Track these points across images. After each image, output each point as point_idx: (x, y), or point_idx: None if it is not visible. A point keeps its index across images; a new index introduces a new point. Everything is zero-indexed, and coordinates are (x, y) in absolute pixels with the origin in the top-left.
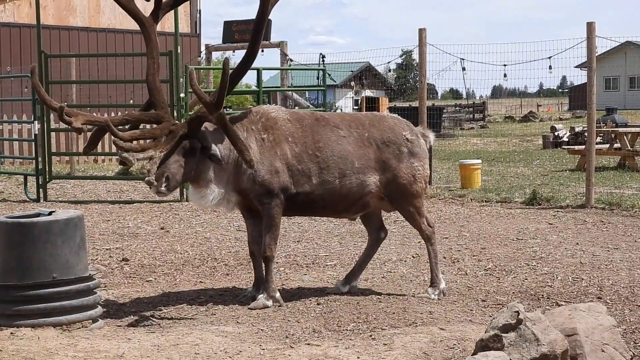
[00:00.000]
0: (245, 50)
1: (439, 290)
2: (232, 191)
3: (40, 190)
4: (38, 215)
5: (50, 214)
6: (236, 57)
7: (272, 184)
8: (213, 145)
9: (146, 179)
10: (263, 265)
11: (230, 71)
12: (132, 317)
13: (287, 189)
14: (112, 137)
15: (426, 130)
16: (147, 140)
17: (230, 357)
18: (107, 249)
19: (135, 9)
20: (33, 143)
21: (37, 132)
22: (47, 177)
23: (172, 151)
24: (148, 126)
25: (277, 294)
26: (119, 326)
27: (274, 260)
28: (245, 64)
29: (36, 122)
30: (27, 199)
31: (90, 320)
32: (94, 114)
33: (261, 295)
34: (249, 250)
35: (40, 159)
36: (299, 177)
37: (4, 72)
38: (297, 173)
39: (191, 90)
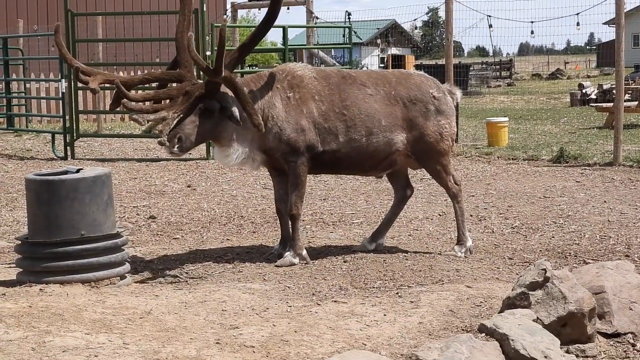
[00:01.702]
0: None
1: (465, 248)
2: (256, 150)
3: (68, 148)
4: (66, 172)
5: (77, 171)
6: (262, 14)
7: (297, 142)
8: (232, 106)
9: (158, 139)
10: (290, 223)
11: (253, 29)
12: (159, 274)
13: (313, 147)
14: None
15: (453, 88)
16: (165, 101)
17: (257, 314)
18: (134, 207)
19: None
20: (60, 101)
21: (64, 91)
22: (75, 135)
23: (188, 112)
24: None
25: (304, 252)
26: (146, 283)
27: (300, 219)
28: (266, 25)
29: (63, 80)
30: (55, 157)
31: (118, 277)
32: (121, 72)
33: (288, 252)
34: (275, 208)
35: (67, 117)
36: (325, 136)
37: (31, 31)
38: (324, 131)
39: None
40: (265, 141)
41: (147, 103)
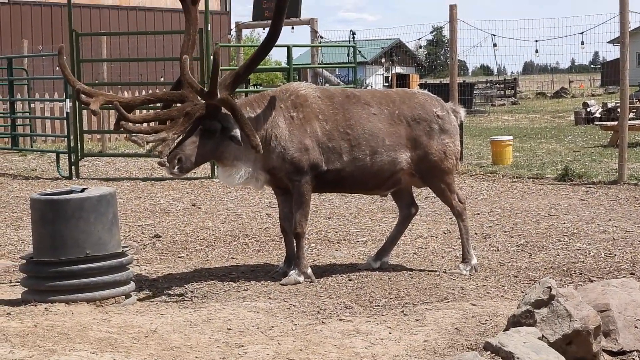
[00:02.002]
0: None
1: (470, 266)
2: (260, 170)
3: (73, 167)
4: (71, 192)
5: (82, 191)
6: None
7: (301, 161)
8: (234, 127)
9: (158, 160)
10: (294, 241)
11: (254, 48)
12: (164, 292)
13: (317, 166)
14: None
15: (457, 106)
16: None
17: (262, 332)
18: (139, 226)
19: None
20: (65, 121)
21: (69, 110)
22: (79, 154)
23: (189, 133)
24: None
25: (309, 270)
26: (151, 302)
27: (304, 237)
28: (267, 46)
29: (68, 100)
30: (60, 177)
31: (123, 296)
32: (125, 92)
33: (293, 271)
34: (280, 227)
35: (72, 137)
36: (329, 155)
37: (36, 51)
38: (328, 150)
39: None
40: (268, 161)
41: (150, 124)
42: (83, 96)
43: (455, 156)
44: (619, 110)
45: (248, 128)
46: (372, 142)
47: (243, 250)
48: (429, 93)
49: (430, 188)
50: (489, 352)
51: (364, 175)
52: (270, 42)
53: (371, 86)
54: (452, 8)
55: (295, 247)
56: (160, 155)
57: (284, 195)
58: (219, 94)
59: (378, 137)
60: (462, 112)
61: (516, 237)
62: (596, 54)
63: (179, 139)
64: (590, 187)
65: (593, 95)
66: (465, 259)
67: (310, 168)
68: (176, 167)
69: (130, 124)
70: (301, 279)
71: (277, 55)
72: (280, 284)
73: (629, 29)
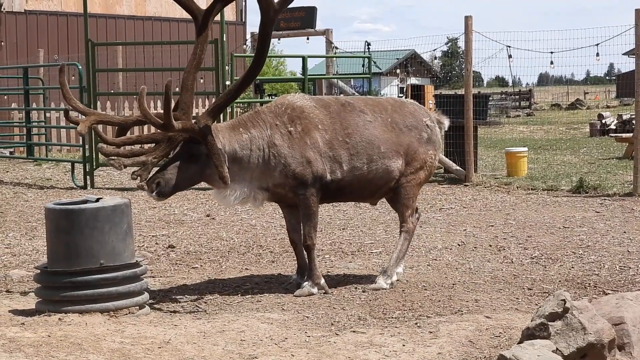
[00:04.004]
0: (290, 38)
1: (391, 281)
2: (257, 189)
3: (87, 177)
4: (85, 202)
5: (97, 200)
6: (281, 44)
7: (305, 175)
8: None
9: (137, 183)
10: (305, 253)
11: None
12: (178, 303)
13: (322, 177)
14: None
15: (441, 117)
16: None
17: (275, 343)
18: (153, 236)
19: (189, 3)
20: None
21: None
22: (94, 164)
23: (174, 157)
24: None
25: (322, 281)
26: (165, 312)
27: (315, 248)
28: (250, 75)
29: None
30: (75, 186)
31: (137, 307)
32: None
33: (306, 282)
34: (289, 239)
35: (87, 147)
36: (331, 164)
37: (52, 61)
38: (330, 160)
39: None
40: (271, 179)
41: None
42: (72, 115)
43: (430, 170)
44: (634, 122)
45: (217, 158)
46: (369, 150)
47: (257, 261)
48: (417, 103)
49: (394, 195)
50: None
51: (361, 184)
52: (254, 71)
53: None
54: (468, 19)
55: (307, 259)
56: (139, 178)
57: (289, 208)
58: (176, 125)
59: (374, 144)
60: (446, 122)
61: (530, 250)
62: (611, 65)
63: (164, 163)
64: (605, 199)
65: (608, 107)
66: (387, 272)
67: (315, 180)
68: (155, 191)
69: (107, 146)
70: (315, 290)
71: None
72: (294, 295)
73: None
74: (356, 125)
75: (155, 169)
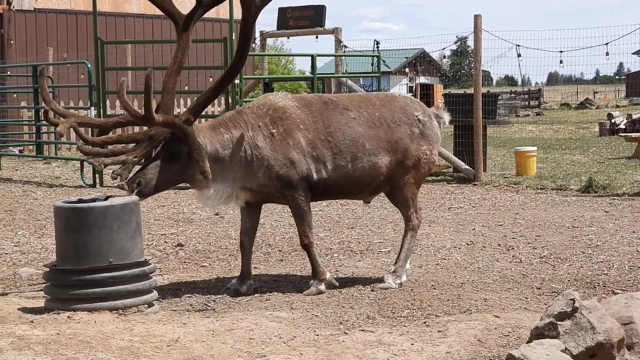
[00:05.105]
0: (299, 36)
1: (399, 281)
2: (239, 189)
3: (97, 175)
4: (94, 200)
5: (106, 199)
6: (290, 43)
7: (289, 176)
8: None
9: (117, 183)
10: (306, 254)
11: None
12: (187, 301)
13: (308, 177)
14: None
15: (440, 112)
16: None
17: (284, 342)
18: (162, 234)
19: (170, 8)
20: (90, 129)
21: None
22: None
23: (155, 157)
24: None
25: (328, 275)
26: (174, 311)
27: (313, 246)
28: (232, 72)
29: (92, 108)
30: (84, 185)
31: (146, 305)
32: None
33: (312, 281)
34: (239, 241)
35: None
36: (315, 164)
37: (61, 59)
38: (314, 159)
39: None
40: (255, 179)
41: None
42: (51, 117)
43: (429, 166)
44: None
45: (198, 153)
46: (352, 148)
47: (266, 260)
48: (411, 97)
49: (392, 194)
50: None
51: (347, 182)
52: (235, 68)
53: None
54: (477, 18)
55: (309, 260)
56: (119, 178)
57: (247, 209)
58: (156, 117)
59: (358, 142)
60: (445, 117)
61: (539, 249)
62: (621, 65)
63: (142, 162)
64: (614, 199)
65: (617, 106)
66: (396, 272)
67: (301, 180)
68: (135, 190)
69: (87, 146)
70: (322, 287)
71: (301, 65)
72: (303, 295)
73: None
74: (338, 124)
75: (137, 168)
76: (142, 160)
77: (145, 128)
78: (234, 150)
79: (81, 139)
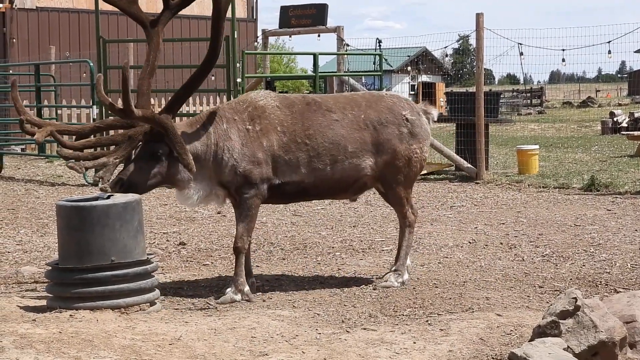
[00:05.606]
0: (301, 35)
1: (402, 279)
2: (217, 185)
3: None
4: (97, 199)
5: (108, 197)
6: (292, 42)
7: (253, 174)
8: None
9: (100, 185)
10: (234, 258)
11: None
12: (189, 300)
13: (268, 180)
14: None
15: (428, 107)
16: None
17: (286, 340)
18: (164, 233)
19: (138, 13)
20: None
21: (95, 117)
22: None
23: (136, 157)
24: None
25: (246, 288)
26: (176, 309)
27: (244, 252)
28: (205, 67)
29: (94, 106)
30: (86, 183)
31: (148, 303)
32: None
33: (229, 289)
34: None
35: None
36: (285, 168)
37: (63, 58)
38: (284, 163)
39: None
40: (221, 175)
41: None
42: (28, 126)
43: (421, 164)
44: None
45: (180, 146)
46: (333, 151)
47: (268, 259)
48: (399, 95)
49: (386, 194)
50: None
51: (326, 184)
52: (209, 63)
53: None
54: (479, 16)
55: (235, 266)
56: (101, 180)
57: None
58: (136, 111)
59: (339, 144)
60: (434, 112)
61: (542, 247)
62: (623, 63)
63: (123, 164)
64: (616, 197)
65: (620, 104)
66: (397, 271)
67: (261, 181)
68: (119, 192)
69: (66, 150)
70: (238, 297)
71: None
72: (217, 302)
73: None
74: (319, 126)
75: (118, 170)
76: (123, 162)
77: (121, 131)
78: (208, 146)
79: (60, 144)
